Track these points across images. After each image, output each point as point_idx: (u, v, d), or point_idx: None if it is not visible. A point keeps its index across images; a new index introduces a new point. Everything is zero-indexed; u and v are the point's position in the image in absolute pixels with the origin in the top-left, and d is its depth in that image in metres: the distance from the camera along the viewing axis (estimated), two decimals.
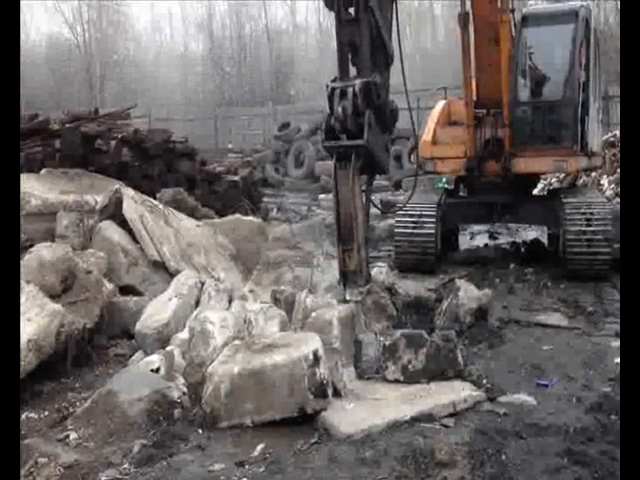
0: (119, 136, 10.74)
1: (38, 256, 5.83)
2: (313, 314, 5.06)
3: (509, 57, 8.49)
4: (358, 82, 5.40)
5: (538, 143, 8.62)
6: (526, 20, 8.56)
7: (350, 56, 5.64)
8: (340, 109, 5.37)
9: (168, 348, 5.06)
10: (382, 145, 5.87)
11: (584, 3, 8.70)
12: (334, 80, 5.57)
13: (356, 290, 5.64)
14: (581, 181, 14.45)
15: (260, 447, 4.05)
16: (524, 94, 8.69)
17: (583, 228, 7.86)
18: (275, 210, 15.44)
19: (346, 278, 5.68)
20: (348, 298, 5.71)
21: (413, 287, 6.99)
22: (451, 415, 4.41)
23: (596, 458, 3.79)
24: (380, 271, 6.81)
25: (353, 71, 5.69)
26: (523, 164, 8.64)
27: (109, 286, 6.03)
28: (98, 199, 7.47)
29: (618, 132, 15.56)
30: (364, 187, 5.97)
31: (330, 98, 5.48)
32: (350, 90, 5.36)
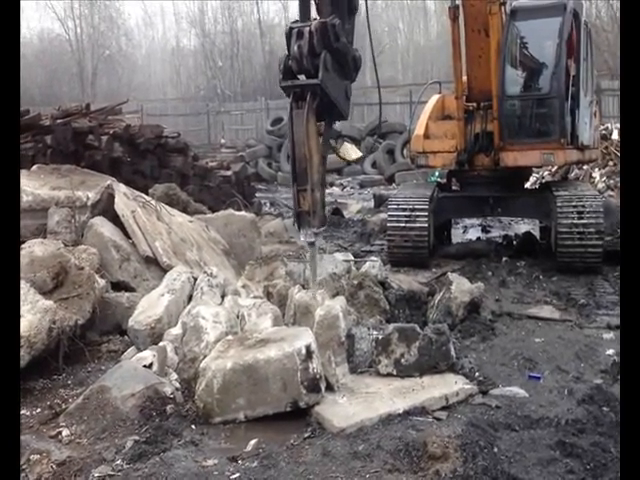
0: (111, 132, 10.73)
1: (29, 252, 5.81)
2: (320, 311, 5.00)
3: (498, 49, 8.49)
4: (315, 22, 5.36)
5: (527, 136, 8.63)
6: (515, 13, 8.55)
7: (315, 3, 5.57)
8: (296, 48, 5.30)
9: (161, 344, 5.05)
10: (341, 89, 5.74)
11: None
12: (295, 22, 5.52)
13: (310, 231, 5.57)
14: (573, 174, 14.51)
15: (253, 442, 4.05)
16: (512, 88, 8.69)
17: (575, 221, 7.88)
18: (268, 205, 15.44)
19: (300, 219, 5.61)
20: (302, 239, 5.73)
21: (406, 281, 6.99)
22: (444, 408, 4.43)
23: (588, 450, 3.81)
24: (373, 265, 6.81)
25: None
26: (512, 157, 8.65)
27: (101, 282, 6.00)
28: (90, 195, 7.43)
29: (609, 125, 15.63)
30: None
31: (288, 38, 5.43)
32: (306, 30, 5.30)
